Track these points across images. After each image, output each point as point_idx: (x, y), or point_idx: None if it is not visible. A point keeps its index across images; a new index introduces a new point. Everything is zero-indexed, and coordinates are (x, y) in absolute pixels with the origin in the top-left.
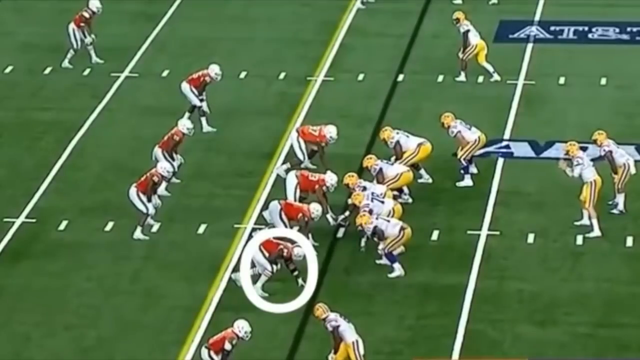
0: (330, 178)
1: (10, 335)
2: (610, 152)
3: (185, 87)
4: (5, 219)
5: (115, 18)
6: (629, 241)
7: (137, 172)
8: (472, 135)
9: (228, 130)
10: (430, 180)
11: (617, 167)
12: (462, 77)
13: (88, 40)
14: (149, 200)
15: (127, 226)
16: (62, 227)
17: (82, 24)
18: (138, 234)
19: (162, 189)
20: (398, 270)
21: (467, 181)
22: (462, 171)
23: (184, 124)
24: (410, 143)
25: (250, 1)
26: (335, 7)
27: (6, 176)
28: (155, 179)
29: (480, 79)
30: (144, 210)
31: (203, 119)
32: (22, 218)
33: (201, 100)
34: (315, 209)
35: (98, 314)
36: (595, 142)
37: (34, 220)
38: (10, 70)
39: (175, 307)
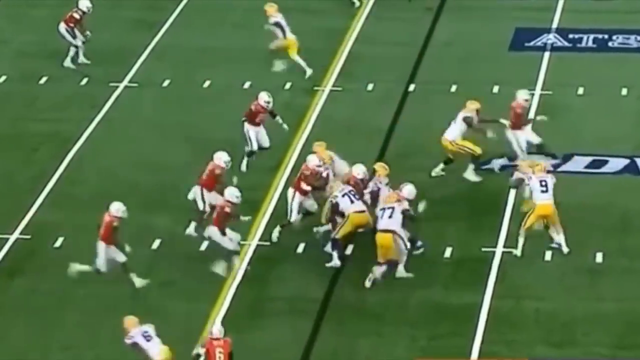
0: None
1: (6, 355)
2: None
3: (246, 127)
4: (0, 235)
5: (114, 25)
6: None
7: (136, 186)
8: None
9: (232, 142)
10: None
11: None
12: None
13: (79, 40)
14: (223, 234)
15: (126, 242)
16: (58, 243)
17: (71, 24)
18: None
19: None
20: (335, 261)
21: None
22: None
23: (220, 157)
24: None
25: (254, 8)
26: (343, 14)
27: (0, 190)
28: (227, 209)
29: (496, 88)
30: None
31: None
32: (16, 234)
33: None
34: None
35: (96, 334)
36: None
37: (28, 237)
38: (4, 79)
39: (176, 326)
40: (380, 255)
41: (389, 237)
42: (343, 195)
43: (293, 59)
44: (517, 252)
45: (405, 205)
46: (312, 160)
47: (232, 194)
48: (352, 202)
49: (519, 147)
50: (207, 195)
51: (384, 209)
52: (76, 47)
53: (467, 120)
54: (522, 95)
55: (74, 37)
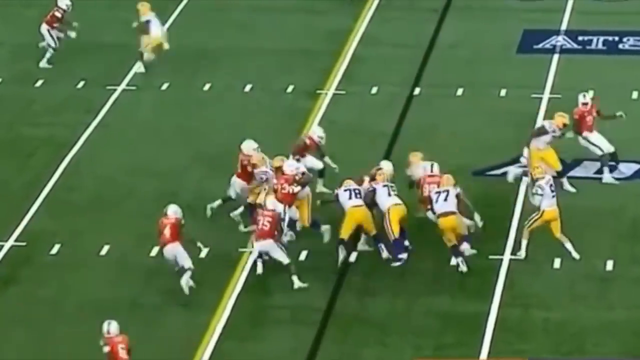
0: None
1: None
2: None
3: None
4: None
5: (111, 27)
6: None
7: (134, 192)
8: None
9: (233, 147)
10: None
11: None
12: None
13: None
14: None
15: (124, 250)
16: (54, 250)
17: (55, 24)
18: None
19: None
20: (341, 257)
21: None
22: None
23: (249, 145)
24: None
25: (256, 9)
26: (346, 15)
27: None
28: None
29: (503, 92)
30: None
31: None
32: (11, 241)
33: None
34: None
35: (93, 343)
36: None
37: (24, 244)
38: None
39: (175, 337)
40: (449, 239)
41: (453, 219)
42: (345, 190)
43: (149, 56)
44: (522, 253)
45: (459, 189)
46: (290, 165)
47: (292, 164)
48: (350, 197)
49: (597, 148)
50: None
51: (439, 192)
52: (54, 49)
53: (542, 130)
54: (579, 99)
55: (53, 39)
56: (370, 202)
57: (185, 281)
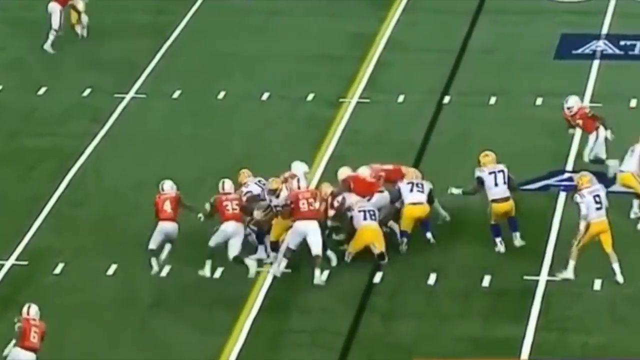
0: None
1: None
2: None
3: None
4: None
5: (119, 31)
6: None
7: (143, 207)
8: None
9: (249, 159)
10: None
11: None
12: None
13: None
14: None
15: (132, 269)
16: (57, 270)
17: (64, 4)
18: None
19: None
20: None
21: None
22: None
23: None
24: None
25: (274, 11)
26: (371, 17)
27: None
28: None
29: (539, 100)
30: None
31: None
32: (12, 260)
33: None
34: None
35: None
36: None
37: (25, 263)
38: None
39: None
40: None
41: (511, 203)
42: (359, 211)
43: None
44: (569, 274)
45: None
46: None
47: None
48: (365, 218)
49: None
50: None
51: (493, 172)
52: (56, 31)
53: None
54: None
55: (60, 21)
56: (395, 199)
57: (165, 256)
